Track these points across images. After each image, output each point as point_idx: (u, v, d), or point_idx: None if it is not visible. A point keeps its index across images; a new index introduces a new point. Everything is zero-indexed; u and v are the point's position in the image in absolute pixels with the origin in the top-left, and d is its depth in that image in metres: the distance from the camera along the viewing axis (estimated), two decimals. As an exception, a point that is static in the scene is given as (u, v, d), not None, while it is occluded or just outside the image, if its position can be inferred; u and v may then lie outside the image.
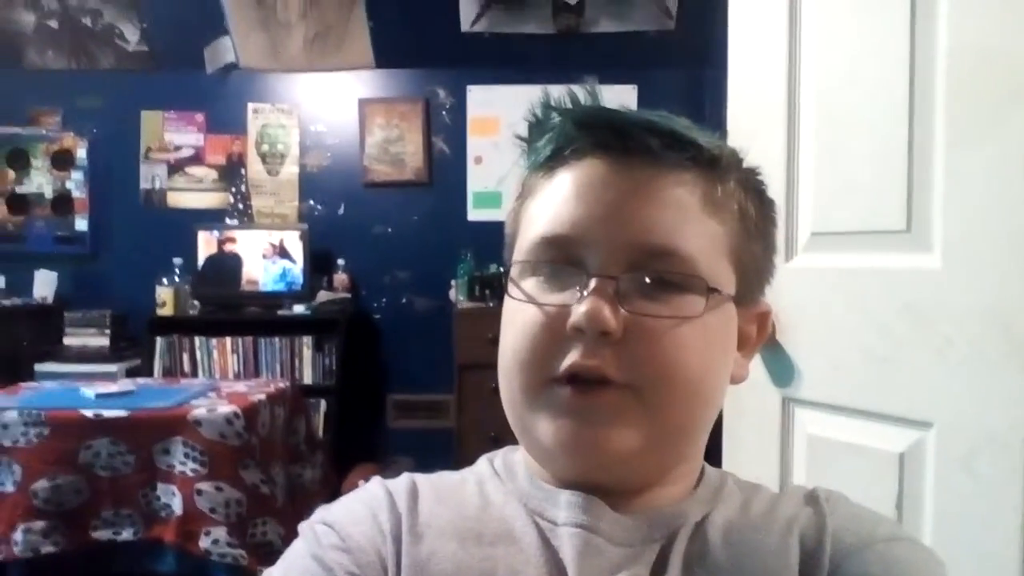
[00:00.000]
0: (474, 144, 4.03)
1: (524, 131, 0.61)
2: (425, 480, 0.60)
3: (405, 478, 0.60)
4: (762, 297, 0.60)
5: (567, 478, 0.55)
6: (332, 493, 2.91)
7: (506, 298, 0.56)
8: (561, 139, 0.55)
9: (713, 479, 0.60)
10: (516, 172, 0.62)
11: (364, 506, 0.57)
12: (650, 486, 0.55)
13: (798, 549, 0.52)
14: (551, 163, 0.56)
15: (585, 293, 0.50)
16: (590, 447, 0.51)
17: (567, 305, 0.51)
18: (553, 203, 0.54)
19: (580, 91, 0.56)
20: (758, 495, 0.59)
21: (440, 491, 0.58)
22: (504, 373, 0.55)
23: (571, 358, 0.51)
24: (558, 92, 0.57)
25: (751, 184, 0.58)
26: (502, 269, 0.60)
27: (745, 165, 0.58)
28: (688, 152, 0.53)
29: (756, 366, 1.24)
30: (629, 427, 0.51)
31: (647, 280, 0.51)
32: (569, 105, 0.56)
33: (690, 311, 0.51)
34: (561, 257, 0.53)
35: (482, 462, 0.63)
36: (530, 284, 0.54)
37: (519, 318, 0.54)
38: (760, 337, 0.61)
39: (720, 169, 0.55)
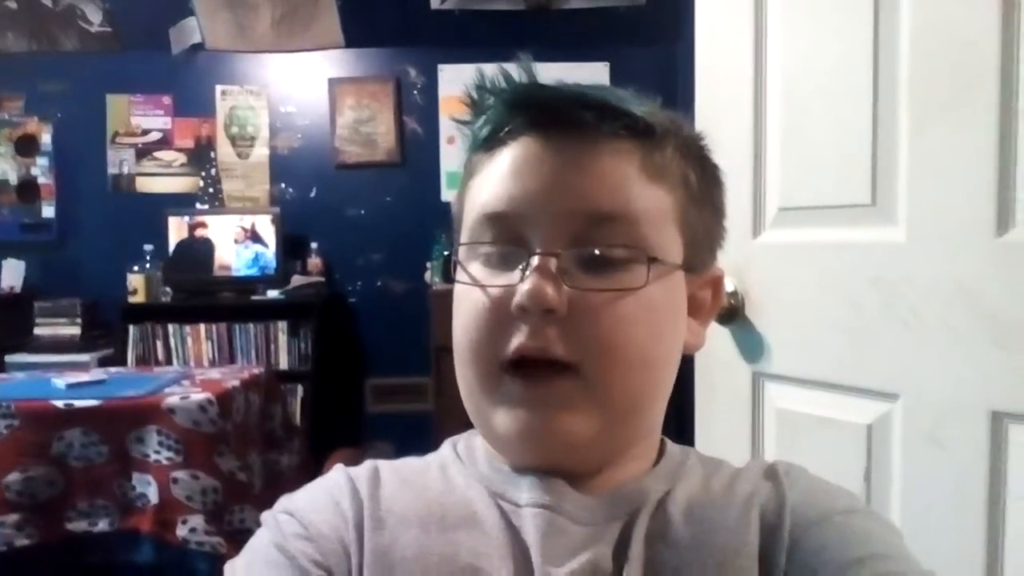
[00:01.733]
0: (446, 124, 4.00)
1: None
2: (388, 466, 0.60)
3: (367, 464, 0.60)
4: (714, 262, 0.60)
5: (525, 465, 0.55)
6: (311, 479, 2.89)
7: (455, 284, 0.56)
8: (496, 121, 0.55)
9: (675, 455, 0.60)
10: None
11: (326, 494, 0.56)
12: (609, 465, 0.56)
13: (758, 524, 0.53)
14: (489, 144, 0.56)
15: (527, 272, 0.50)
16: (545, 436, 0.52)
17: (511, 286, 0.51)
18: (491, 182, 0.54)
19: (514, 68, 0.56)
20: (719, 470, 0.59)
21: (403, 476, 0.58)
22: (458, 361, 0.55)
23: (516, 340, 0.51)
24: (492, 71, 0.56)
25: (692, 150, 0.58)
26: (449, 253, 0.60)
27: (685, 132, 0.58)
28: (622, 122, 0.53)
29: (726, 341, 1.25)
30: (581, 412, 0.51)
31: (591, 254, 0.51)
32: (503, 84, 0.56)
33: (632, 283, 0.51)
34: (503, 236, 0.53)
35: (445, 446, 0.63)
36: (475, 266, 0.55)
37: (466, 302, 0.54)
38: (715, 302, 0.61)
39: (656, 137, 0.54)
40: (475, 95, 0.57)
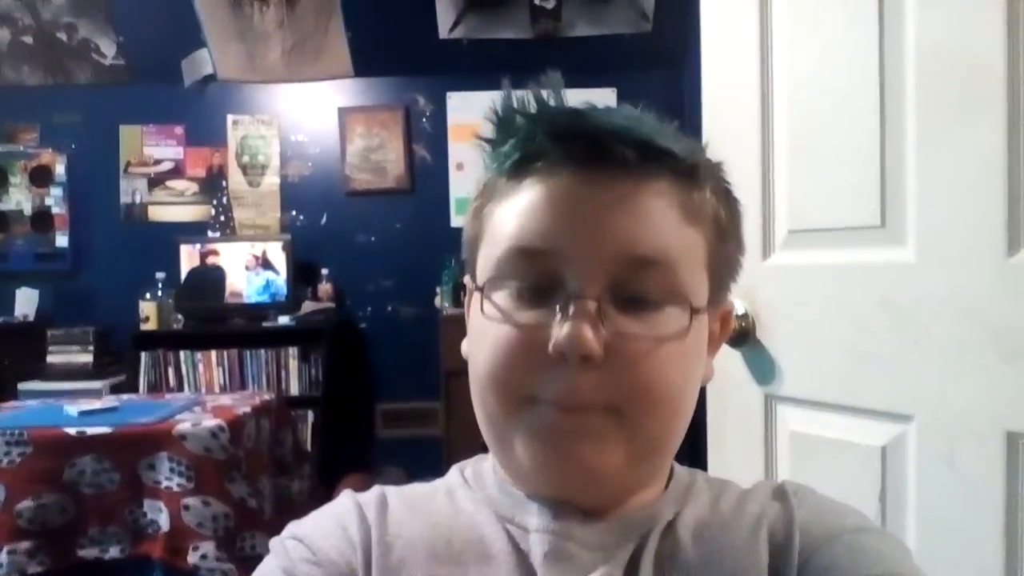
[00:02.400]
0: (455, 150, 4.03)
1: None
2: (395, 491, 0.60)
3: (375, 490, 0.60)
4: (729, 295, 0.60)
5: (543, 496, 0.54)
6: (321, 505, 2.88)
7: (474, 310, 0.55)
8: (530, 148, 0.52)
9: (683, 478, 0.60)
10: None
11: (333, 519, 0.57)
12: (624, 496, 0.55)
13: (767, 545, 0.53)
14: (518, 169, 0.53)
15: (567, 314, 0.48)
16: (571, 470, 0.51)
17: (545, 325, 0.50)
18: (525, 212, 0.52)
19: (543, 90, 0.53)
20: (727, 491, 0.59)
21: (410, 502, 0.58)
22: (478, 391, 0.54)
23: (554, 387, 0.49)
24: (520, 91, 0.54)
25: (722, 187, 0.57)
26: (466, 278, 0.59)
27: (719, 171, 0.57)
28: (666, 162, 0.51)
29: (738, 364, 1.24)
30: (610, 448, 0.50)
31: (628, 296, 0.50)
32: (534, 106, 0.53)
33: (673, 330, 0.50)
34: (536, 270, 0.51)
35: (453, 472, 0.63)
36: (502, 297, 0.52)
37: (492, 334, 0.52)
38: (723, 334, 0.61)
39: (697, 177, 0.54)
40: (503, 112, 0.55)
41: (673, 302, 0.51)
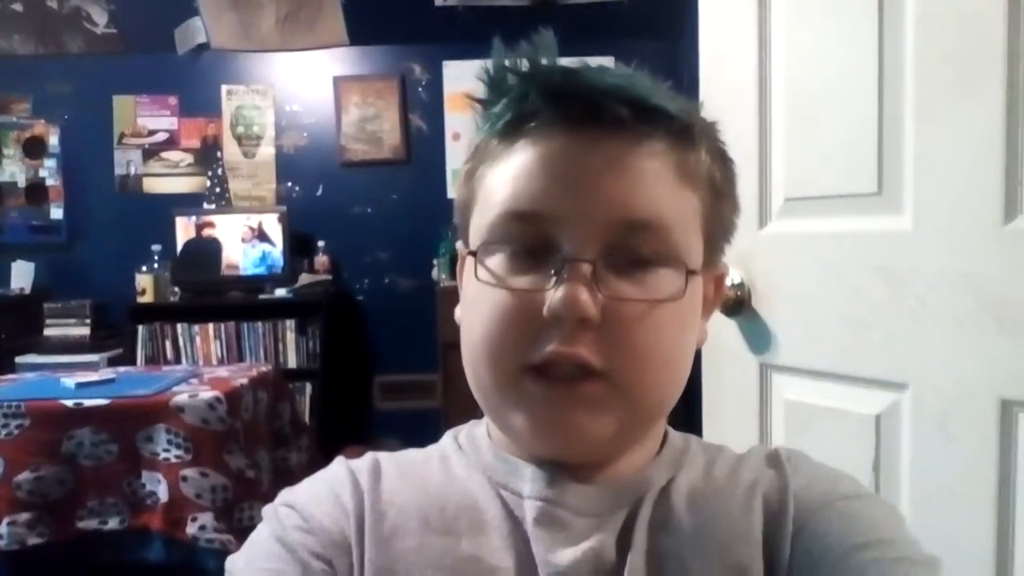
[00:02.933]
0: (451, 120, 4.00)
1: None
2: (388, 458, 0.59)
3: (368, 457, 0.59)
4: (723, 256, 0.59)
5: (539, 457, 0.54)
6: (319, 475, 2.91)
7: (467, 275, 0.54)
8: (523, 107, 0.51)
9: (677, 442, 0.60)
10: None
11: (326, 486, 0.56)
12: (617, 456, 0.55)
13: (762, 511, 0.53)
14: (511, 130, 0.52)
15: (562, 277, 0.48)
16: (568, 437, 0.51)
17: (540, 289, 0.49)
18: (518, 175, 0.51)
19: (537, 48, 0.52)
20: (721, 457, 0.59)
21: (403, 468, 0.58)
22: (472, 358, 0.53)
23: (549, 347, 0.48)
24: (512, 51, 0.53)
25: (717, 147, 0.56)
26: (459, 243, 0.59)
27: (714, 131, 0.56)
28: (661, 122, 0.50)
29: (733, 333, 1.24)
30: (606, 414, 0.50)
31: (623, 258, 0.50)
32: (527, 66, 0.52)
33: (668, 292, 0.50)
34: (530, 234, 0.50)
35: (447, 437, 0.63)
36: (496, 262, 0.51)
37: (487, 301, 0.51)
38: (716, 297, 0.60)
39: (692, 137, 0.52)
40: (494, 73, 0.53)
41: (668, 264, 0.50)
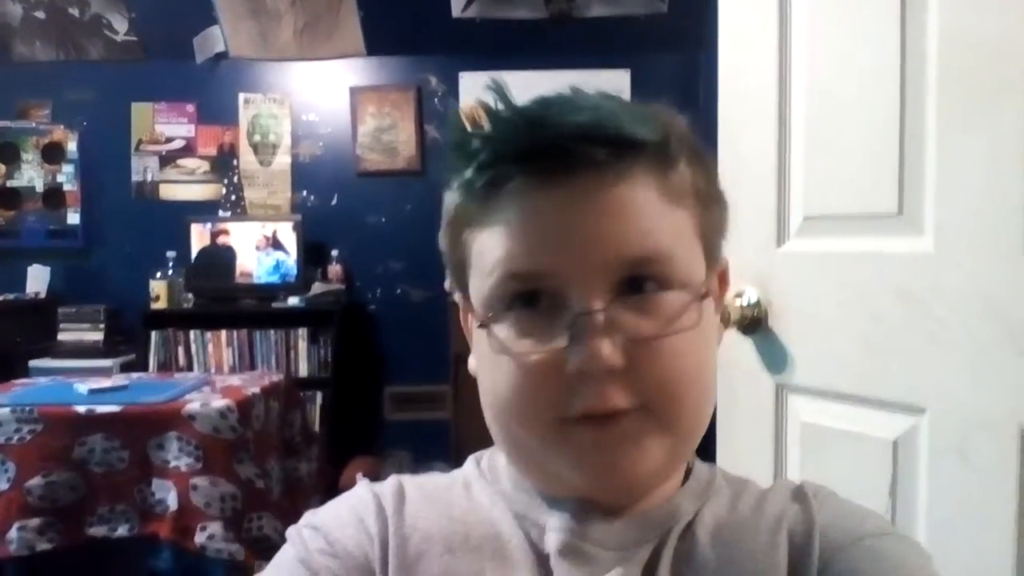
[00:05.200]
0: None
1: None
2: (412, 482, 0.59)
3: (392, 480, 0.59)
4: (721, 253, 0.58)
5: (578, 495, 0.53)
6: (329, 487, 2.91)
7: (478, 336, 0.53)
8: (494, 173, 0.49)
9: (702, 473, 0.59)
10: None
11: (351, 510, 0.56)
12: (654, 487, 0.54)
13: (787, 547, 0.52)
14: (487, 193, 0.50)
15: (578, 333, 0.47)
16: (621, 474, 0.49)
17: (556, 350, 0.48)
18: (507, 235, 0.49)
19: (494, 97, 0.50)
20: (746, 491, 0.58)
21: (427, 493, 0.58)
22: (500, 417, 0.52)
23: (582, 403, 0.48)
24: (469, 108, 0.51)
25: (694, 151, 0.54)
26: (457, 296, 0.57)
27: (690, 138, 0.54)
28: (637, 152, 0.49)
29: (749, 352, 1.23)
30: (653, 445, 0.49)
31: (631, 293, 0.49)
32: (488, 124, 0.49)
33: (684, 317, 0.49)
34: (533, 292, 0.49)
35: (469, 462, 0.62)
36: (506, 328, 0.50)
37: (504, 368, 0.50)
38: (723, 290, 0.59)
39: (671, 156, 0.51)
40: (457, 137, 0.51)
41: (677, 287, 0.50)
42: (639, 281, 0.49)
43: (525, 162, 0.48)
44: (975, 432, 0.95)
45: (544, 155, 0.47)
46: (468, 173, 0.50)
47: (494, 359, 0.51)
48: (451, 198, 0.54)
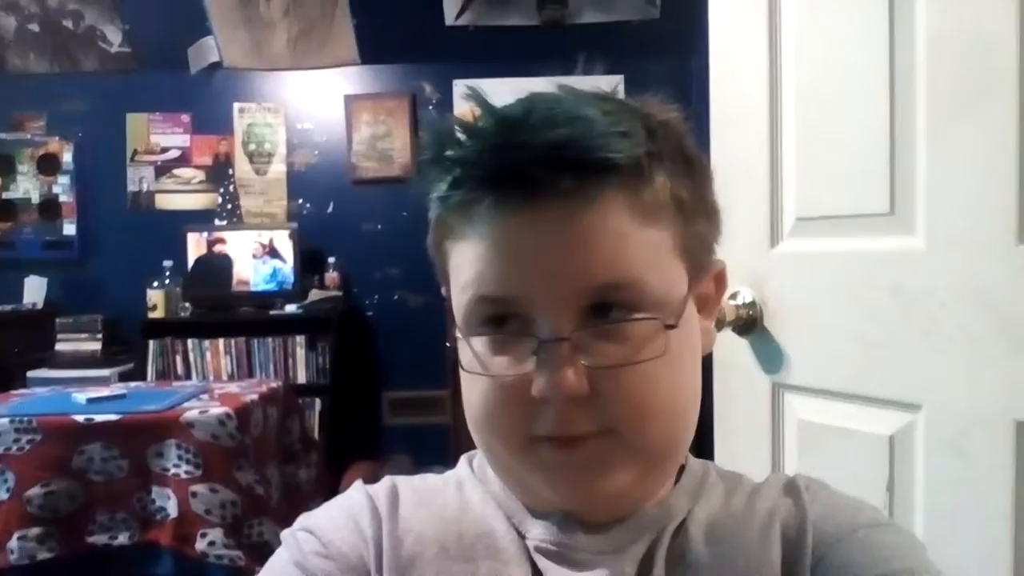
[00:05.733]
0: (462, 138, 4.01)
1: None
2: (406, 484, 0.60)
3: (386, 482, 0.59)
4: (714, 257, 0.57)
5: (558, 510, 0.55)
6: (328, 493, 2.90)
7: (460, 347, 0.53)
8: (466, 194, 0.49)
9: (695, 470, 0.59)
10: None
11: (345, 512, 0.57)
12: (637, 505, 0.55)
13: (780, 542, 0.52)
14: (461, 208, 0.51)
15: (542, 359, 0.47)
16: (585, 498, 0.51)
17: (523, 372, 0.48)
18: (479, 257, 0.49)
19: (474, 109, 0.50)
20: (740, 486, 0.58)
21: (421, 495, 0.58)
22: (479, 436, 0.54)
23: (545, 426, 0.49)
24: (444, 122, 0.50)
25: (679, 160, 0.52)
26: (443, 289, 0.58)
27: (670, 143, 0.52)
28: (609, 173, 0.47)
29: (745, 352, 1.24)
30: (620, 468, 0.50)
31: (598, 320, 0.48)
32: (462, 149, 0.49)
33: (650, 345, 0.48)
34: (503, 314, 0.50)
35: (462, 462, 0.63)
36: (478, 346, 0.51)
37: (478, 387, 0.51)
38: (719, 293, 0.59)
39: (645, 172, 0.49)
40: (432, 151, 0.51)
41: (647, 310, 0.49)
42: (607, 306, 0.48)
43: (493, 186, 0.48)
44: (971, 428, 0.96)
45: (513, 183, 0.47)
46: (443, 188, 0.51)
47: (470, 382, 0.52)
48: (432, 207, 0.54)
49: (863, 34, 1.07)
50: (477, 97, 0.49)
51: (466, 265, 0.51)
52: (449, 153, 0.49)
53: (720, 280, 0.59)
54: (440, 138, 0.50)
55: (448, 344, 0.52)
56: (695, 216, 0.53)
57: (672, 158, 0.52)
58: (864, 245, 1.08)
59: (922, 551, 0.53)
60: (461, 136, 0.49)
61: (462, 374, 0.53)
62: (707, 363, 0.58)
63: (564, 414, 0.48)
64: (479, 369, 0.50)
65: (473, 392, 0.52)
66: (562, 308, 0.48)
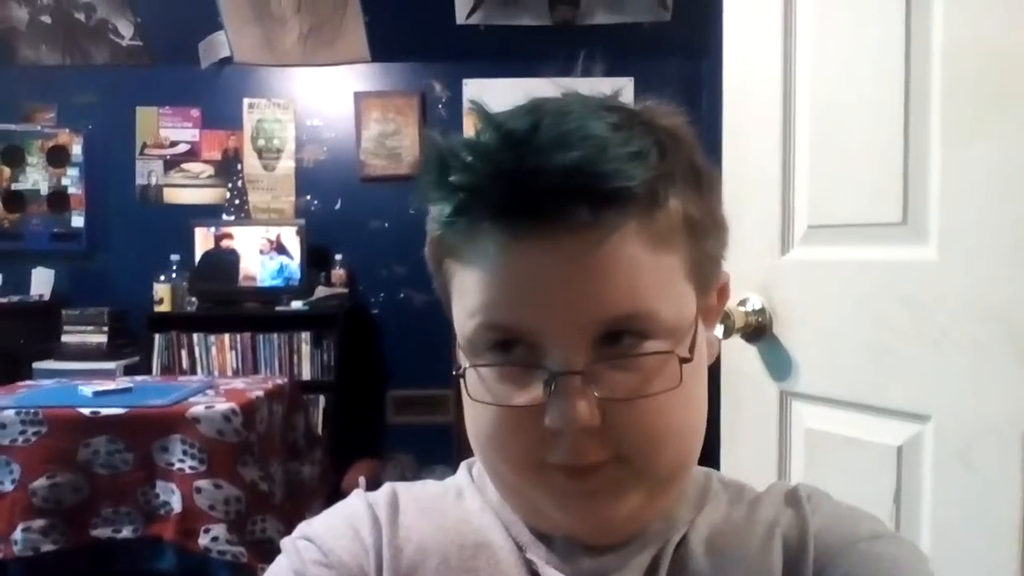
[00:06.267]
0: (471, 137, 4.01)
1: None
2: (406, 491, 0.59)
3: (387, 489, 0.59)
4: (719, 273, 0.56)
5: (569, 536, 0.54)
6: (331, 490, 2.92)
7: (466, 383, 0.51)
8: (470, 220, 0.47)
9: (698, 479, 0.59)
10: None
11: (345, 520, 0.56)
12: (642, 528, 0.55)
13: (781, 553, 0.52)
14: (464, 230, 0.48)
15: (554, 390, 0.46)
16: (600, 521, 0.50)
17: (535, 401, 0.47)
18: (486, 283, 0.48)
19: (478, 131, 0.47)
20: (742, 496, 0.58)
21: (422, 503, 0.58)
22: (482, 455, 0.53)
23: (556, 456, 0.48)
24: (446, 141, 0.48)
25: (689, 177, 0.51)
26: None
27: (681, 160, 0.50)
28: (624, 203, 0.46)
29: (753, 359, 1.24)
30: (630, 493, 0.50)
31: (611, 351, 0.47)
32: (464, 176, 0.46)
33: (666, 382, 0.48)
34: (512, 343, 0.48)
35: (462, 469, 0.63)
36: (486, 374, 0.49)
37: (486, 415, 0.50)
38: (721, 302, 0.58)
39: (659, 196, 0.48)
40: (432, 171, 0.48)
41: (660, 337, 0.48)
42: (619, 334, 0.48)
43: (502, 215, 0.46)
44: (979, 439, 0.96)
45: (523, 215, 0.45)
46: (446, 212, 0.48)
47: (476, 411, 0.51)
48: (431, 224, 0.52)
49: (879, 42, 1.06)
50: (479, 110, 0.48)
51: (472, 291, 0.49)
52: (453, 178, 0.46)
53: (723, 291, 0.58)
54: (442, 158, 0.47)
55: (454, 372, 0.52)
56: (705, 235, 0.52)
57: (683, 176, 0.50)
58: (876, 254, 1.08)
59: (924, 562, 0.52)
60: (466, 157, 0.46)
61: (466, 401, 0.52)
62: (715, 370, 0.58)
63: (577, 445, 0.47)
64: (488, 397, 0.49)
65: (480, 418, 0.51)
66: (574, 340, 0.47)
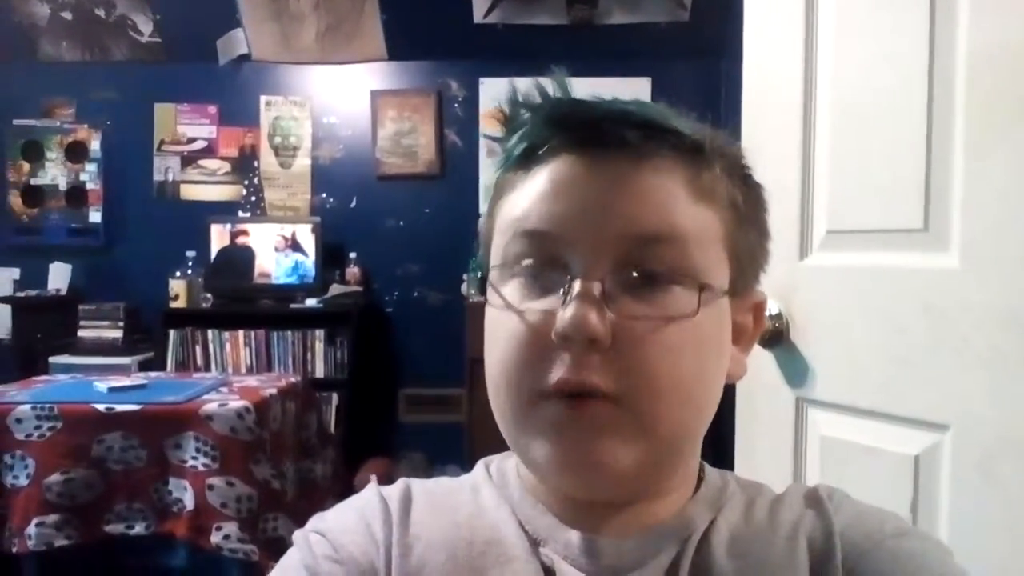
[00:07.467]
0: (486, 137, 4.01)
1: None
2: (420, 487, 0.59)
3: (401, 484, 0.59)
4: (757, 286, 0.58)
5: (564, 494, 0.54)
6: (343, 488, 2.92)
7: (487, 307, 0.53)
8: (533, 138, 0.52)
9: (714, 480, 0.58)
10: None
11: (357, 515, 0.56)
12: (649, 496, 0.54)
13: (807, 555, 0.51)
14: (525, 162, 0.52)
15: (569, 298, 0.47)
16: (585, 466, 0.49)
17: (551, 311, 0.48)
18: (528, 199, 0.51)
19: (549, 82, 0.53)
20: (760, 497, 0.57)
21: (434, 498, 0.58)
22: (493, 389, 0.53)
23: (558, 372, 0.47)
24: (525, 85, 0.54)
25: (739, 171, 0.55)
26: (480, 275, 0.58)
27: (732, 152, 0.55)
28: (668, 140, 0.50)
29: (770, 365, 1.22)
30: (623, 441, 0.48)
31: (634, 275, 0.48)
32: (538, 99, 0.53)
33: (681, 309, 0.48)
34: (541, 256, 0.50)
35: (479, 467, 0.62)
36: (510, 288, 0.51)
37: (502, 328, 0.51)
38: (756, 329, 0.58)
39: (704, 155, 0.51)
40: (508, 110, 0.55)
41: (683, 282, 0.49)
42: (648, 270, 0.49)
43: (559, 132, 0.51)
44: (999, 449, 0.94)
45: (576, 128, 0.50)
46: (511, 141, 0.53)
47: (495, 326, 0.52)
48: (495, 174, 0.56)
49: (902, 46, 1.05)
50: (557, 77, 0.54)
51: (513, 208, 0.52)
52: (527, 103, 0.54)
53: (759, 315, 0.58)
54: (516, 99, 0.54)
55: (478, 277, 0.57)
56: (748, 225, 0.54)
57: (732, 165, 0.54)
58: (896, 260, 1.06)
59: (950, 556, 0.52)
60: (537, 95, 0.53)
61: (487, 322, 0.53)
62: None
63: (580, 359, 0.47)
64: (505, 307, 0.51)
65: (495, 337, 0.52)
66: (600, 251, 0.48)
